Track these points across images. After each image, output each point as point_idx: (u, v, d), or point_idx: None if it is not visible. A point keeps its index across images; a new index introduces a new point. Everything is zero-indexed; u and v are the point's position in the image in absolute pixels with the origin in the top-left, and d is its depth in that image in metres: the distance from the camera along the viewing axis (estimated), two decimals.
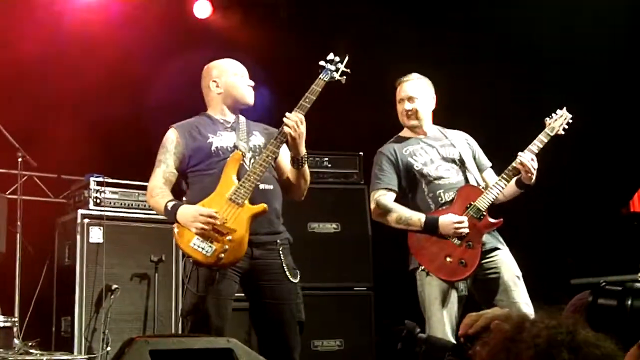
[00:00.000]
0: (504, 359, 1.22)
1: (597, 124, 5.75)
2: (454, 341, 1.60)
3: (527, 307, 4.09)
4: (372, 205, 4.47)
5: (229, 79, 4.12)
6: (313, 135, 3.95)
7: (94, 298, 5.62)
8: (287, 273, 3.91)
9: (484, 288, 4.26)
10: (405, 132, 4.56)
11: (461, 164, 4.42)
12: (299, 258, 4.06)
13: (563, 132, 4.33)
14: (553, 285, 5.27)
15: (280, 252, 3.93)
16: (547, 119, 4.34)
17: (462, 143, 4.52)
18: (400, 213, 4.32)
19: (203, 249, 3.69)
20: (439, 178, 4.35)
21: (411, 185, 4.40)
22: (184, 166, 4.02)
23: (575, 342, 1.20)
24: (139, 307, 5.81)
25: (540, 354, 1.20)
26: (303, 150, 3.93)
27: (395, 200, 4.40)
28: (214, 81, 4.14)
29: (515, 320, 1.29)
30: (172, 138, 4.04)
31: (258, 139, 4.08)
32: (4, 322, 5.22)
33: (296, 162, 3.98)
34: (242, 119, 4.17)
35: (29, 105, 6.30)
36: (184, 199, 3.99)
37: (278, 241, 3.95)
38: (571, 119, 4.33)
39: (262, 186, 3.88)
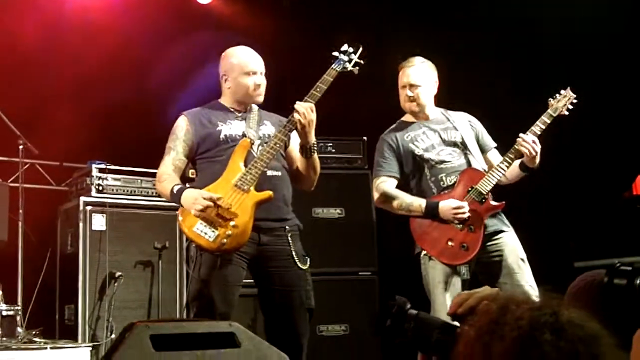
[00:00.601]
0: (488, 341, 1.21)
1: (599, 108, 5.72)
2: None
3: (531, 289, 4.08)
4: (374, 192, 4.46)
5: (237, 78, 4.08)
6: (317, 120, 3.92)
7: (97, 286, 5.59)
8: (296, 259, 3.91)
9: (487, 271, 4.25)
10: (407, 117, 4.53)
11: (463, 147, 4.39)
12: (303, 244, 4.05)
13: (567, 113, 4.29)
14: (556, 268, 5.25)
15: (289, 239, 3.93)
16: (551, 99, 4.30)
17: (465, 125, 4.49)
18: (402, 199, 4.31)
19: (206, 234, 3.68)
20: (441, 162, 4.33)
21: (414, 171, 4.39)
22: (193, 153, 4.02)
23: (558, 324, 1.19)
24: (142, 295, 5.78)
25: (523, 336, 1.19)
26: (312, 138, 3.91)
27: (399, 186, 4.39)
28: (224, 75, 4.13)
29: (501, 302, 1.28)
30: (182, 125, 4.04)
31: (268, 129, 4.07)
32: (7, 310, 5.18)
33: (305, 150, 3.96)
34: (254, 108, 4.14)
35: (30, 92, 6.26)
36: (187, 185, 3.99)
37: (287, 227, 3.95)
38: (575, 99, 4.30)
39: (269, 172, 3.88)
